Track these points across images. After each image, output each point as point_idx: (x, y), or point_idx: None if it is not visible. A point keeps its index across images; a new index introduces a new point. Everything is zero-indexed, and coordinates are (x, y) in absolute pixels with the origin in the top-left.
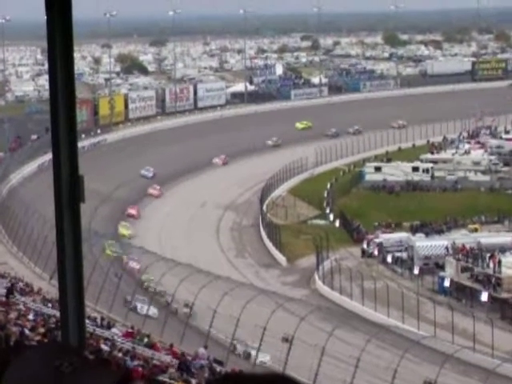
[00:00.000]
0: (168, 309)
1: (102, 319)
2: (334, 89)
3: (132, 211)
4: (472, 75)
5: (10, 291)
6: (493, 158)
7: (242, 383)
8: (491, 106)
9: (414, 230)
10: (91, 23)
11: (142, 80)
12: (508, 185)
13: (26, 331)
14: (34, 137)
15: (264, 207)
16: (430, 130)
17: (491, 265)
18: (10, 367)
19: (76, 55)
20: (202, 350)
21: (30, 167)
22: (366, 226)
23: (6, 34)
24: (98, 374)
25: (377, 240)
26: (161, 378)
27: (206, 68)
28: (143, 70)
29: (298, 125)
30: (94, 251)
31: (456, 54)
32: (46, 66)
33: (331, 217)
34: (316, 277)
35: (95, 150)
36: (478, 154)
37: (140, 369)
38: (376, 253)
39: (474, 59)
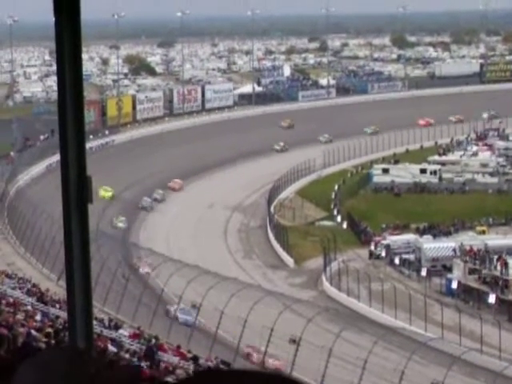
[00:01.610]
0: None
1: (110, 320)
2: (342, 90)
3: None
4: (480, 77)
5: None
6: (501, 160)
7: (224, 378)
8: (499, 108)
9: (421, 232)
10: (99, 24)
11: (149, 81)
12: None
13: (33, 332)
14: (43, 137)
15: (271, 209)
16: (437, 132)
17: (499, 267)
18: (22, 368)
19: (84, 56)
20: None
21: (38, 168)
22: (374, 228)
23: (14, 34)
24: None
25: (384, 242)
26: (169, 379)
27: (213, 69)
28: (151, 71)
29: None
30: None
31: (464, 56)
32: (54, 67)
33: (339, 218)
34: (323, 278)
35: (103, 151)
36: (485, 155)
37: (147, 370)
38: (383, 254)
39: (482, 61)
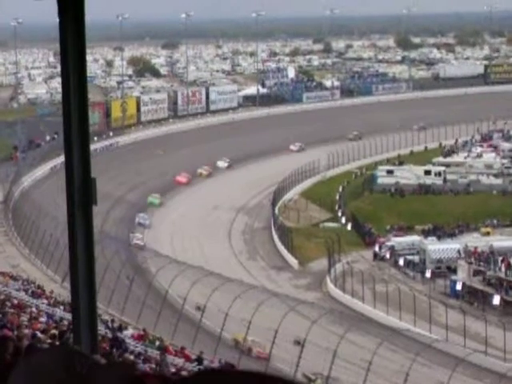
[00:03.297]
0: None
1: (113, 321)
2: (346, 92)
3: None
4: (484, 78)
5: None
6: (505, 161)
7: (218, 378)
8: (504, 110)
9: (426, 234)
10: (103, 26)
11: (154, 83)
12: None
13: (38, 334)
14: (48, 138)
15: (276, 210)
16: (442, 133)
17: (503, 268)
18: (19, 363)
19: (88, 58)
20: None
21: (43, 169)
22: (378, 229)
23: (19, 36)
24: (111, 374)
25: (389, 243)
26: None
27: (218, 71)
28: (155, 73)
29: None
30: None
31: (468, 57)
32: (59, 69)
33: (343, 220)
34: (328, 280)
35: (107, 153)
36: (490, 157)
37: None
38: (388, 256)
39: (486, 62)
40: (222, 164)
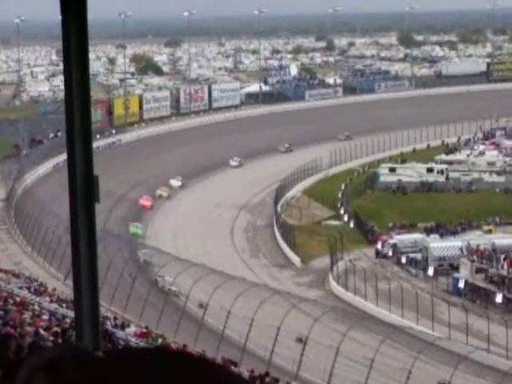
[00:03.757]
0: None
1: (116, 319)
2: (349, 89)
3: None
4: (487, 76)
5: None
6: (508, 159)
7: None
8: (506, 107)
9: (428, 231)
10: (106, 24)
11: (156, 80)
12: None
13: (41, 331)
14: (50, 136)
15: (278, 208)
16: (444, 131)
17: (506, 266)
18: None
19: (91, 55)
20: None
21: (46, 167)
22: (381, 227)
23: (22, 34)
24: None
25: (391, 241)
26: None
27: (220, 68)
28: (158, 71)
29: None
30: None
31: (471, 55)
32: (61, 67)
33: (345, 218)
34: (330, 277)
35: (110, 151)
36: (492, 154)
37: None
38: (390, 254)
39: (488, 60)
40: (174, 183)
